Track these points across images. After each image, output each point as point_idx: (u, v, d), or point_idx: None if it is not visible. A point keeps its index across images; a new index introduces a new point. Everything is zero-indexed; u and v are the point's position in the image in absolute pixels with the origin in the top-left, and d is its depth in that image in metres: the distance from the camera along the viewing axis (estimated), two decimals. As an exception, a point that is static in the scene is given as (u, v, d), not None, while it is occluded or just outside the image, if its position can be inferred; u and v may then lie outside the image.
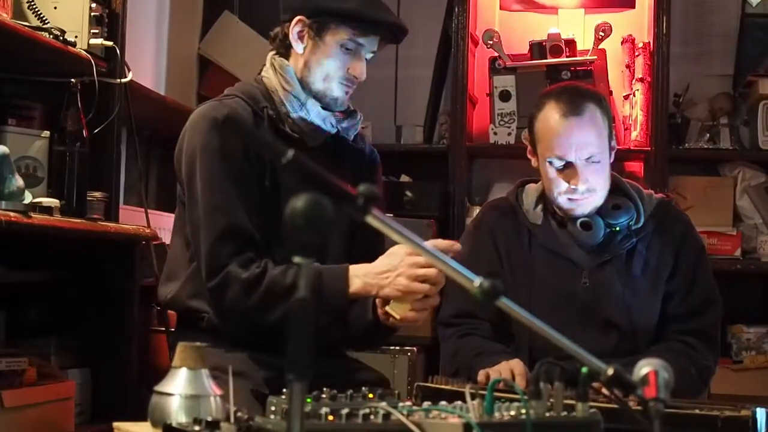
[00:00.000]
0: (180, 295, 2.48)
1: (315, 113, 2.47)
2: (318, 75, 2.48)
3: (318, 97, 2.49)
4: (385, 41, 2.54)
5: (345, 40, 2.45)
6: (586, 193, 2.64)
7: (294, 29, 2.48)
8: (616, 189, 2.76)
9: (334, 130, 2.52)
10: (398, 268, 2.25)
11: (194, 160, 2.41)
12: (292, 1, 2.53)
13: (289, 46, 2.51)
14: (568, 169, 2.63)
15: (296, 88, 2.47)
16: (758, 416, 1.97)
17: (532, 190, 2.82)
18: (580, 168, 2.62)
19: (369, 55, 2.52)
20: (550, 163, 2.65)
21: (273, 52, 2.56)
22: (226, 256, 2.31)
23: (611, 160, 2.72)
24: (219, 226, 2.34)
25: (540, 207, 2.78)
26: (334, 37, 2.45)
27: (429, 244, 2.21)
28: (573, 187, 2.62)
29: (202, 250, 2.34)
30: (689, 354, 2.65)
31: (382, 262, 2.29)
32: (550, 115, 2.66)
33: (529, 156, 2.77)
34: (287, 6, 2.54)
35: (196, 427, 1.50)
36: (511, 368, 2.50)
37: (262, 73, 2.55)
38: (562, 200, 2.66)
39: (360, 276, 2.30)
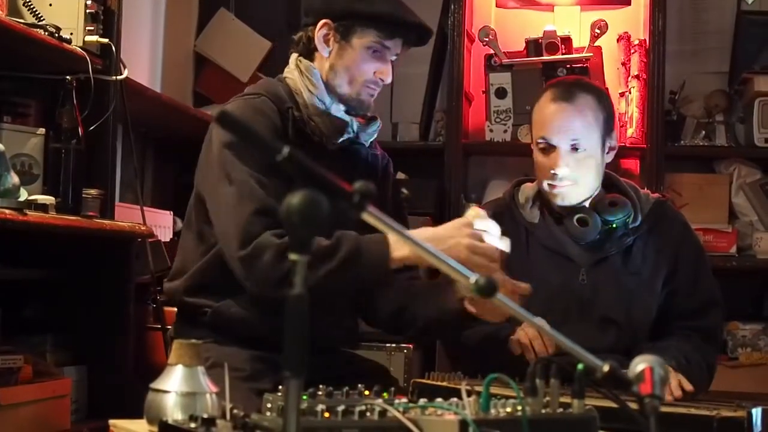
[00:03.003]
0: (186, 289, 2.47)
1: (338, 117, 2.47)
2: (344, 78, 2.48)
3: (343, 101, 2.48)
4: (409, 43, 2.54)
5: (372, 42, 2.45)
6: (566, 181, 2.65)
7: (319, 33, 2.47)
8: (612, 187, 2.77)
9: (353, 134, 2.52)
10: (456, 237, 2.22)
11: (225, 153, 2.36)
12: (315, 4, 2.51)
13: (313, 50, 2.51)
14: (551, 153, 2.66)
15: (322, 90, 2.46)
16: (754, 416, 1.97)
17: (528, 189, 2.83)
18: (562, 152, 2.65)
19: (393, 57, 2.51)
20: (538, 144, 2.70)
21: (297, 55, 2.54)
22: (259, 228, 2.27)
23: (608, 160, 2.73)
24: (253, 204, 2.29)
25: (536, 205, 2.79)
26: (361, 40, 2.45)
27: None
28: (553, 172, 2.64)
29: (234, 224, 2.29)
30: (702, 348, 2.67)
31: (436, 229, 2.27)
32: (544, 100, 2.72)
33: (532, 148, 2.79)
34: (309, 9, 2.53)
35: (192, 424, 1.50)
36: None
37: (285, 74, 2.54)
38: (545, 186, 2.71)
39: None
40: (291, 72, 2.53)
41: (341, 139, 2.50)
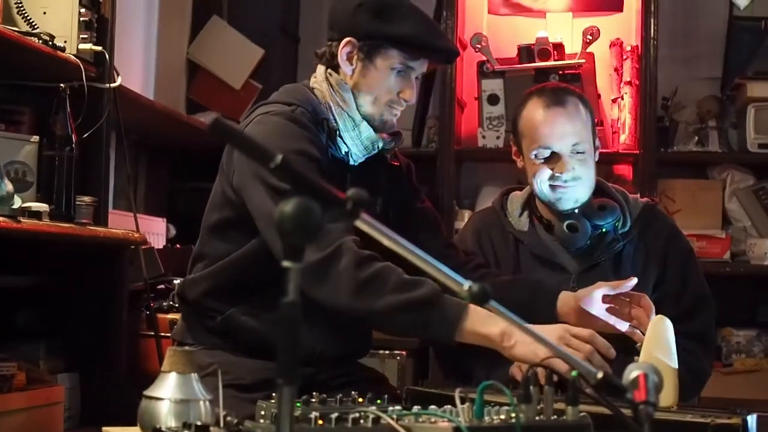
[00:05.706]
0: (208, 290, 2.40)
1: (366, 135, 2.44)
2: (367, 98, 2.43)
3: (366, 119, 2.44)
4: (434, 63, 2.51)
5: (396, 64, 2.41)
6: (571, 182, 2.63)
7: (343, 50, 2.42)
8: (600, 192, 2.77)
9: (376, 152, 2.50)
10: (551, 333, 2.14)
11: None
12: (340, 21, 2.46)
13: (336, 66, 2.45)
14: (553, 160, 2.63)
15: (352, 108, 2.43)
16: (749, 423, 1.96)
17: (517, 198, 2.82)
18: (566, 157, 2.61)
19: (417, 76, 2.48)
20: (536, 156, 2.64)
21: (326, 68, 2.48)
22: (339, 232, 2.18)
23: (595, 159, 2.73)
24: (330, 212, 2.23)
25: (526, 214, 2.78)
26: (386, 61, 2.41)
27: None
28: (557, 174, 2.62)
29: None
30: (681, 356, 2.64)
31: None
32: (533, 108, 2.66)
33: (514, 158, 2.77)
34: (335, 24, 2.47)
35: (186, 432, 1.50)
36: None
37: (313, 85, 2.48)
38: (546, 188, 2.64)
39: (501, 322, 2.13)
40: (319, 84, 2.47)
41: (366, 156, 2.49)
